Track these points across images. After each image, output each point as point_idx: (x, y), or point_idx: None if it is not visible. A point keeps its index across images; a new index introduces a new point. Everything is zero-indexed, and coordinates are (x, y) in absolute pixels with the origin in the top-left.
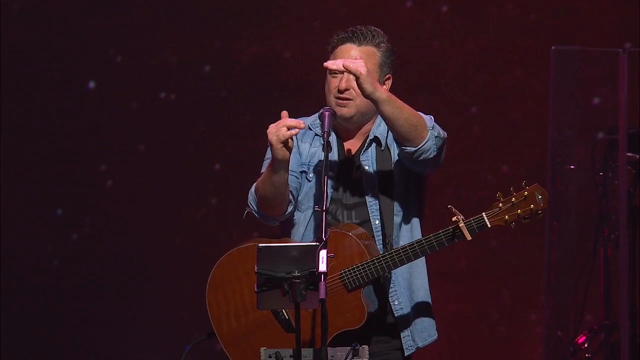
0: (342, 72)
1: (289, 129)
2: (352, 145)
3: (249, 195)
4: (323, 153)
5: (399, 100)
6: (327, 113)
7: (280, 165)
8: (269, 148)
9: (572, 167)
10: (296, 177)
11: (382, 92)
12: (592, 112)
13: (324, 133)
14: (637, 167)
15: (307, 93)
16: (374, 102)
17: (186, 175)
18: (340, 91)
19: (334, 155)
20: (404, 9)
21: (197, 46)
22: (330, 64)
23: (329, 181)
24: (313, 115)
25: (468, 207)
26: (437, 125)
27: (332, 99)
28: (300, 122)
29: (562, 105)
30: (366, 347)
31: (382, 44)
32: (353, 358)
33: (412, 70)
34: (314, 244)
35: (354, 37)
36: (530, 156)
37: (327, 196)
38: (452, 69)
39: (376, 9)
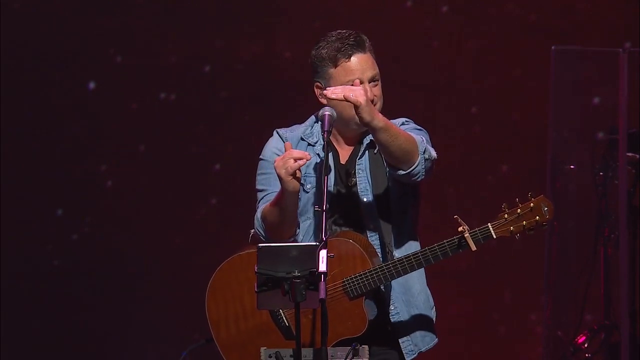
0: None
1: (295, 160)
2: (347, 151)
3: (255, 222)
4: (319, 161)
5: (394, 126)
6: (327, 114)
7: (291, 196)
8: (261, 162)
9: (572, 167)
10: None
11: (380, 120)
12: (592, 112)
13: (324, 132)
14: (637, 167)
15: (308, 93)
16: (371, 129)
17: (186, 175)
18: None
19: (329, 163)
20: (404, 9)
21: (197, 46)
22: (329, 93)
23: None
24: (306, 122)
25: (468, 208)
26: (428, 147)
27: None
28: (306, 153)
29: (562, 105)
30: (366, 347)
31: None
32: (353, 358)
33: (412, 70)
34: (314, 244)
35: (359, 45)
36: (530, 156)
37: (327, 196)
38: (452, 69)
39: (376, 9)
